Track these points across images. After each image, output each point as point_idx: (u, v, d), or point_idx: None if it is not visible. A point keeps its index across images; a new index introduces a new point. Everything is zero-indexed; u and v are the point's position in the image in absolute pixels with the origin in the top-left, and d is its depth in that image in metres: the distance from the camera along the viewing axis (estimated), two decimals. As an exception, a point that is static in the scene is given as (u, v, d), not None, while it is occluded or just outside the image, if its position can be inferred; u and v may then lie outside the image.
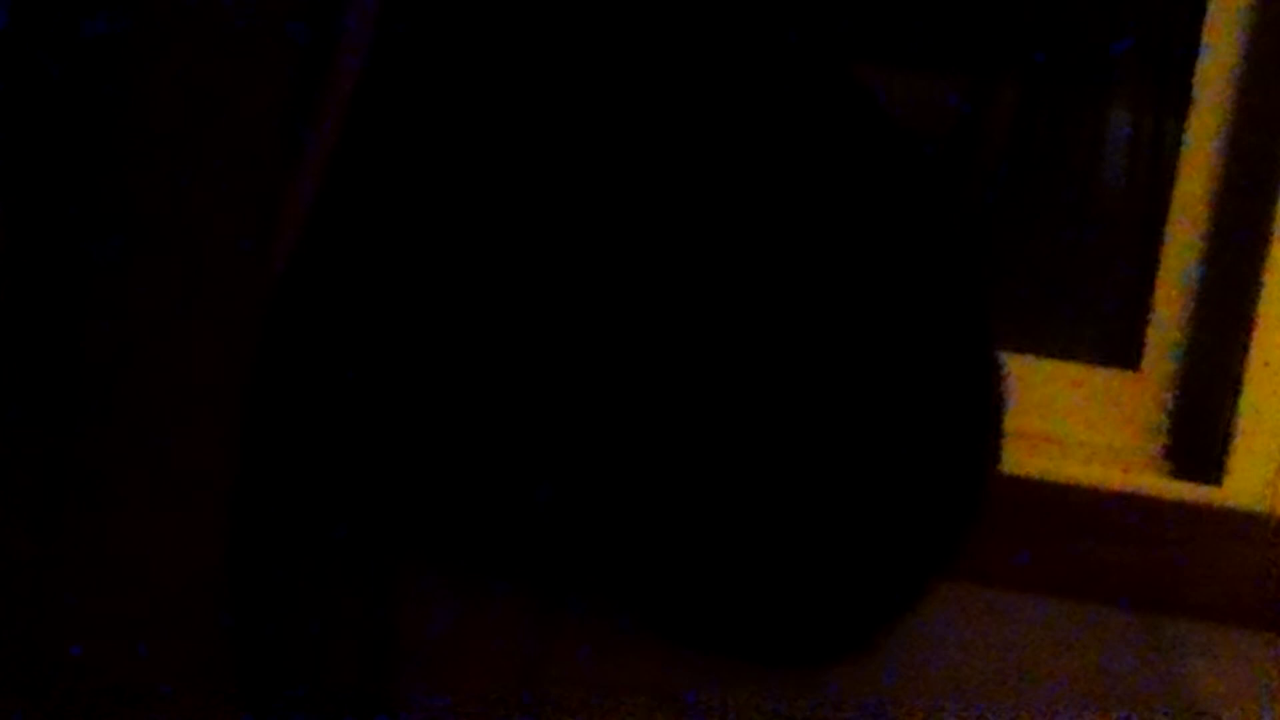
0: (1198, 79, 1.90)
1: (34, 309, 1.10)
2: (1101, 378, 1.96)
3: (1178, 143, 1.93)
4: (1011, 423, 1.67)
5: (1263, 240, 1.85)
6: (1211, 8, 1.89)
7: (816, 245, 1.60)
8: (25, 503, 1.12)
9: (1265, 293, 1.86)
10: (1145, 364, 1.94)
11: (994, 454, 1.68)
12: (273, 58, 1.16)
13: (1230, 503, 1.88)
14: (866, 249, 1.61)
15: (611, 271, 1.62)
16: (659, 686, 1.59)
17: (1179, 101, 1.94)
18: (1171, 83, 2.02)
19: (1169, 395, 1.93)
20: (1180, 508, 1.88)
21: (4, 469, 1.12)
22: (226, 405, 1.19)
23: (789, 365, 1.59)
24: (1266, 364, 1.87)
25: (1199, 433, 1.91)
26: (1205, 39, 1.89)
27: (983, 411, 1.65)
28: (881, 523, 1.61)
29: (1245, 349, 1.86)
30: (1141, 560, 1.87)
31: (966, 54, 2.77)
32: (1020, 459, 1.84)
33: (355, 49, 1.42)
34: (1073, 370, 1.97)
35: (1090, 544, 1.88)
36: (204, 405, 1.18)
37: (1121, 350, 1.98)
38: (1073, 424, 1.95)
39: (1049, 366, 1.97)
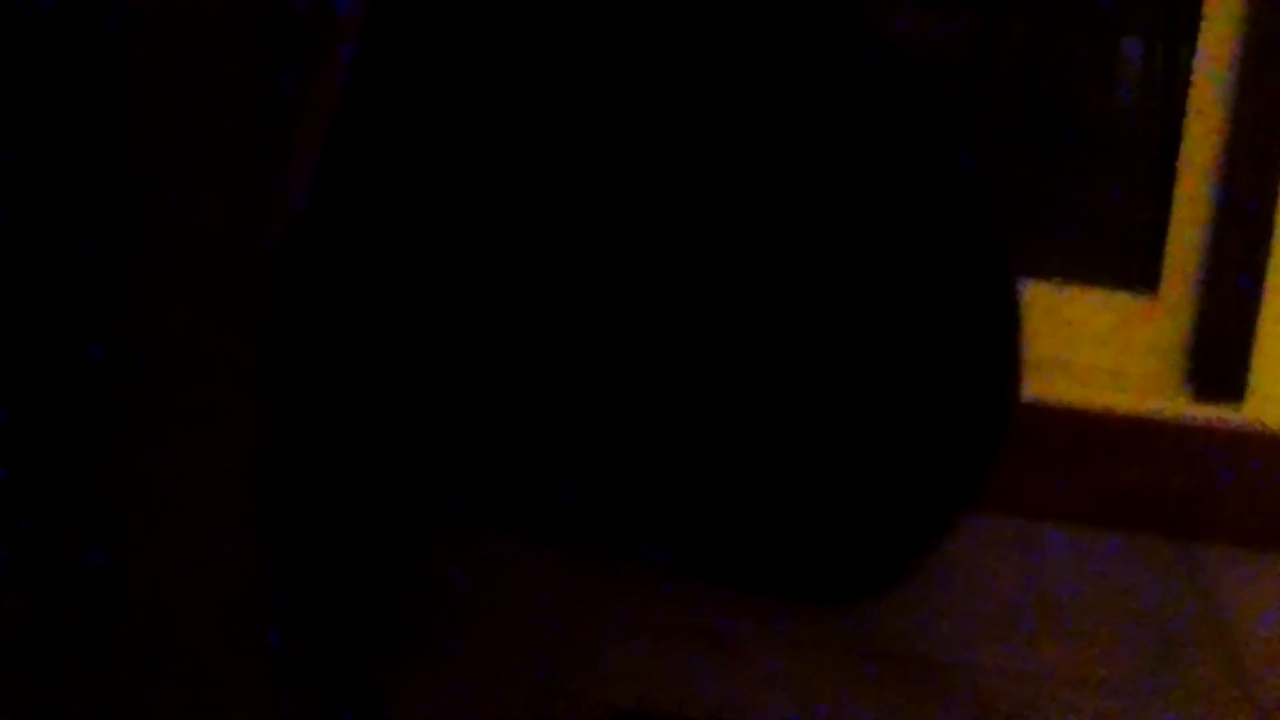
0: (1208, 2, 1.89)
1: (39, 309, 1.09)
2: (1120, 302, 1.96)
3: (1190, 66, 1.92)
4: (1031, 350, 1.66)
5: (1278, 160, 1.85)
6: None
7: (832, 185, 1.60)
8: (51, 506, 1.12)
9: (1282, 212, 1.86)
10: (1164, 287, 1.94)
11: (1015, 383, 1.69)
12: (267, 50, 1.16)
13: (1252, 423, 1.88)
14: (879, 186, 1.61)
15: (626, 205, 1.62)
16: (696, 625, 1.61)
17: (1191, 24, 1.93)
18: (1182, 6, 2.00)
19: (1188, 318, 1.93)
20: (1202, 430, 1.88)
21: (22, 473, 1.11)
22: (243, 395, 1.19)
23: (812, 302, 1.59)
24: (1284, 283, 1.87)
25: (1219, 354, 1.91)
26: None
27: (1003, 340, 1.65)
28: (906, 456, 1.62)
29: (1263, 269, 1.86)
30: (1165, 484, 1.88)
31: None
32: (1040, 386, 1.85)
33: (348, 36, 1.43)
34: (1091, 295, 1.97)
35: (1113, 469, 1.88)
36: (221, 397, 1.17)
37: (1140, 274, 1.98)
38: (1092, 349, 1.95)
39: (1068, 292, 1.96)
